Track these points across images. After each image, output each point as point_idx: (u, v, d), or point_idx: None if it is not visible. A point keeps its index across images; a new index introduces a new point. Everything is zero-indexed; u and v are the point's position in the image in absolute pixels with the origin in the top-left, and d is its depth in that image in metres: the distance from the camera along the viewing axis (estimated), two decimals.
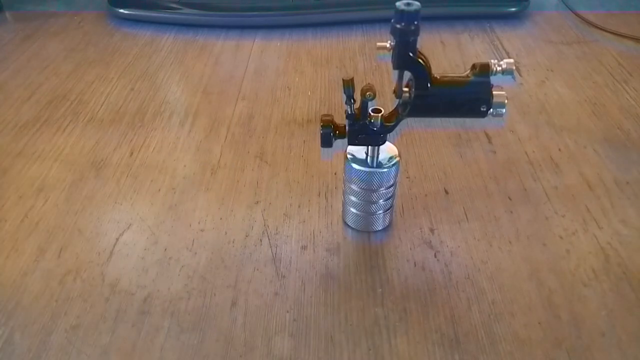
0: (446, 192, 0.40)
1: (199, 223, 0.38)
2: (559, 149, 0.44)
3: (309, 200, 0.39)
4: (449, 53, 0.59)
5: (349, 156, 0.34)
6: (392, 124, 0.32)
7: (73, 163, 0.43)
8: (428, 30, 0.63)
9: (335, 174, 0.42)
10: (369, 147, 0.33)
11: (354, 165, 0.33)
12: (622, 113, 0.48)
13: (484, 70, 0.30)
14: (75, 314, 0.31)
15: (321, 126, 0.32)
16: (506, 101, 0.30)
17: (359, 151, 0.34)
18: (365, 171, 0.33)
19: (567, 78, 0.54)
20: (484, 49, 0.59)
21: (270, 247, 0.36)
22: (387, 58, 0.30)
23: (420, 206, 0.39)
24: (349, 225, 0.37)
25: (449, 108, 0.31)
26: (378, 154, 0.33)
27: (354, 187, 0.34)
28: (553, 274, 0.34)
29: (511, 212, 0.38)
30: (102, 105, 0.51)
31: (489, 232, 0.37)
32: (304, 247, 0.36)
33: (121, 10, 0.66)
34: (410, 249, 0.35)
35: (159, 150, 0.45)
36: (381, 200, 0.34)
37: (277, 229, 0.37)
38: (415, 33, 0.28)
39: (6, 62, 0.58)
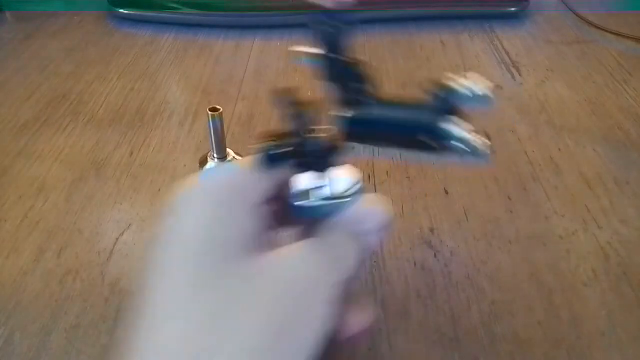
0: (446, 192, 0.40)
1: None
2: (559, 149, 0.44)
3: None
4: (449, 53, 0.59)
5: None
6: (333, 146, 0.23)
7: (73, 163, 0.43)
8: (428, 30, 0.63)
9: None
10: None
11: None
12: (622, 113, 0.48)
13: (443, 89, 0.21)
14: (75, 314, 0.31)
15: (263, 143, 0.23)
16: (468, 134, 0.21)
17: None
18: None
19: (567, 78, 0.54)
20: (484, 49, 0.59)
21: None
22: (312, 63, 0.23)
23: (420, 206, 0.39)
24: None
25: (391, 135, 0.23)
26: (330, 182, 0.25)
27: None
28: (553, 274, 0.34)
29: (511, 212, 0.38)
30: (102, 105, 0.51)
31: (489, 232, 0.37)
32: None
33: (121, 10, 0.66)
34: (411, 249, 0.35)
35: (159, 150, 0.45)
36: None
37: None
38: (348, 35, 0.22)
39: (6, 62, 0.58)
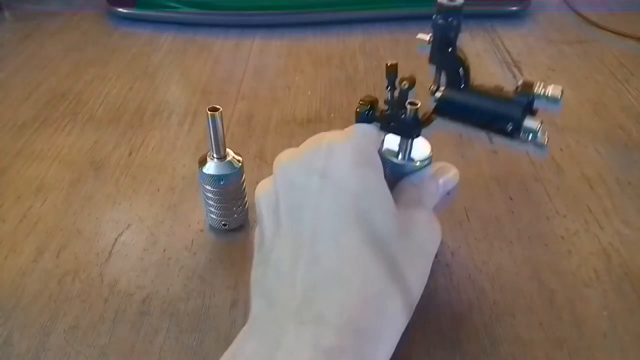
0: (447, 192, 0.40)
1: (198, 223, 0.37)
2: (561, 149, 0.44)
3: None
4: None
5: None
6: (423, 119, 0.30)
7: (72, 163, 0.43)
8: (429, 29, 0.63)
9: None
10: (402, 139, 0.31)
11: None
12: (623, 112, 0.48)
13: (525, 89, 0.27)
14: (74, 315, 0.31)
15: (359, 104, 0.30)
16: (538, 129, 0.27)
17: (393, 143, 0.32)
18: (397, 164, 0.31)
19: (569, 77, 0.54)
20: (485, 48, 0.59)
21: None
22: (426, 50, 0.30)
23: None
24: None
25: (478, 117, 0.29)
26: (410, 147, 0.31)
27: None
28: (554, 274, 0.33)
29: (512, 212, 0.38)
30: (100, 105, 0.50)
31: (490, 233, 0.36)
32: None
33: (120, 9, 0.66)
34: None
35: (158, 150, 0.44)
36: None
37: None
38: (456, 29, 0.29)
39: (5, 62, 0.58)
